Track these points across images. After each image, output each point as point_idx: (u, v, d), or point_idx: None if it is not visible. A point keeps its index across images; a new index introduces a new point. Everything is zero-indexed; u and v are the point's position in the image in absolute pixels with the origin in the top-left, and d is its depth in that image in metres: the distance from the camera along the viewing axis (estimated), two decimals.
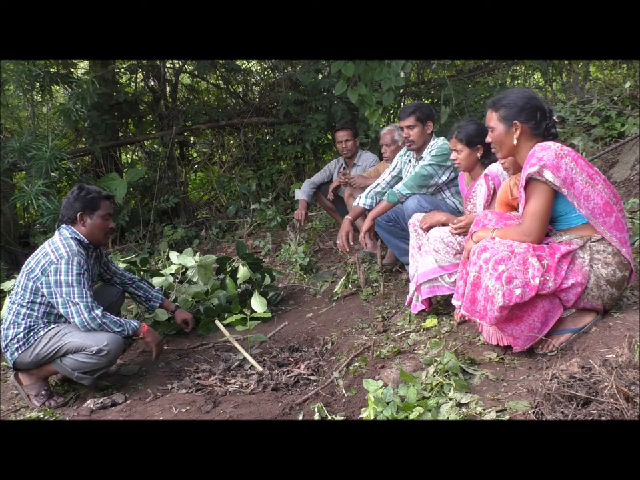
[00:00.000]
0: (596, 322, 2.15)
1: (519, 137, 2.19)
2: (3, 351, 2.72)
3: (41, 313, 2.68)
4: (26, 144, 4.50)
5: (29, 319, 2.66)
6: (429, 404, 1.83)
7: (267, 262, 4.73)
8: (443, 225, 2.83)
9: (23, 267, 2.76)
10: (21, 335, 2.64)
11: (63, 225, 2.79)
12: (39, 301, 2.67)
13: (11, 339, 2.65)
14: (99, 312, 2.63)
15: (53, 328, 2.67)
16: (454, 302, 2.36)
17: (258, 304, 3.45)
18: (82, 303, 2.60)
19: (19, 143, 4.47)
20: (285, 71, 6.70)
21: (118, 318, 2.73)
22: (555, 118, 2.22)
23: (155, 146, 6.62)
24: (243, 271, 3.64)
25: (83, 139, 6.25)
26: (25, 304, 2.67)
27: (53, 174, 4.49)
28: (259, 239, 5.22)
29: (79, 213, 2.76)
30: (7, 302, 3.32)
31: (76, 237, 2.75)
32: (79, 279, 2.63)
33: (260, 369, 2.85)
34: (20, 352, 2.65)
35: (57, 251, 2.65)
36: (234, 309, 3.27)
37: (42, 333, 2.66)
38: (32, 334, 2.65)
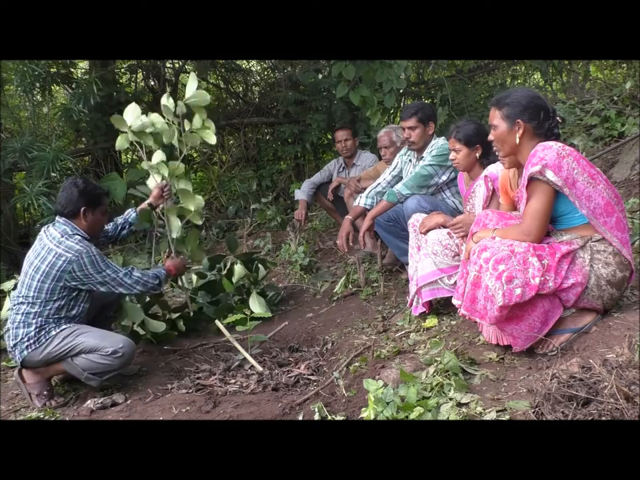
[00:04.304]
0: (596, 322, 2.15)
1: (522, 136, 2.18)
2: (10, 349, 2.72)
3: (52, 312, 2.68)
4: (27, 144, 4.50)
5: (39, 319, 2.66)
6: (429, 404, 1.83)
7: None
8: (442, 227, 2.83)
9: (26, 266, 2.72)
10: (32, 333, 2.64)
11: (61, 220, 2.76)
12: (55, 298, 2.68)
13: (22, 338, 2.65)
14: (137, 273, 2.81)
15: (66, 328, 2.68)
16: (454, 301, 2.36)
17: (256, 304, 3.44)
18: (119, 275, 2.74)
19: (20, 144, 4.46)
20: (285, 71, 6.70)
21: (152, 271, 2.92)
22: (557, 118, 2.22)
23: None
24: (238, 269, 3.61)
25: (83, 139, 6.25)
26: (37, 304, 2.66)
27: (53, 174, 4.48)
28: (259, 239, 5.22)
29: (82, 208, 2.75)
30: (7, 302, 3.31)
31: (77, 232, 2.74)
32: (104, 261, 2.73)
33: (260, 368, 2.85)
34: (30, 350, 2.65)
35: (72, 249, 2.65)
36: (237, 309, 3.26)
37: (54, 332, 2.66)
38: (43, 333, 2.65)
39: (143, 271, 2.89)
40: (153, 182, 3.25)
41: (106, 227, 3.10)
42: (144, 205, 3.21)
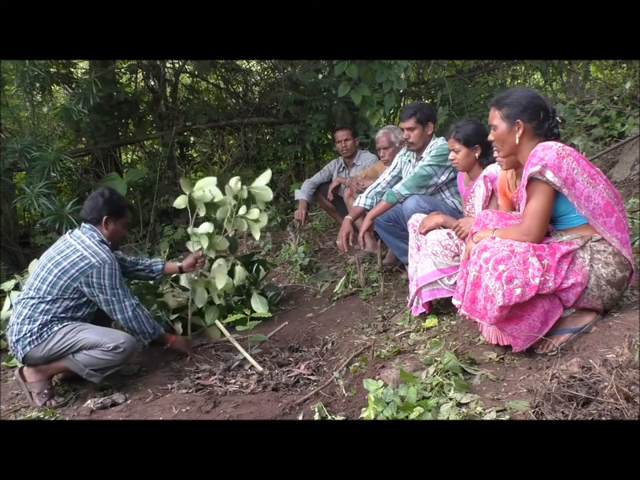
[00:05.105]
0: (596, 322, 2.15)
1: (521, 136, 2.18)
2: (12, 345, 2.73)
3: (60, 309, 2.70)
4: (27, 144, 4.50)
5: (45, 316, 2.67)
6: (429, 404, 1.83)
7: None
8: (442, 227, 2.83)
9: (44, 261, 2.75)
10: (35, 329, 2.66)
11: (87, 226, 2.83)
12: (66, 296, 2.71)
13: (24, 334, 2.66)
14: (140, 311, 2.83)
15: (67, 325, 2.70)
16: (454, 301, 2.36)
17: (259, 304, 3.45)
18: (126, 301, 2.78)
19: (20, 144, 4.46)
20: (285, 71, 6.70)
21: (155, 322, 2.93)
22: (557, 118, 2.22)
23: (155, 146, 6.62)
24: (239, 271, 3.60)
25: (83, 139, 6.25)
26: (48, 299, 2.68)
27: (53, 174, 4.48)
28: (259, 239, 5.20)
29: (105, 217, 2.83)
30: (7, 302, 3.31)
31: (103, 239, 2.82)
32: (121, 282, 2.79)
33: (260, 369, 2.85)
34: (32, 346, 2.66)
35: (98, 255, 2.72)
36: (237, 309, 3.26)
37: (56, 328, 2.67)
38: (45, 329, 2.67)
39: (148, 314, 2.91)
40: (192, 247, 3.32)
41: (126, 257, 3.13)
42: (174, 266, 3.22)
